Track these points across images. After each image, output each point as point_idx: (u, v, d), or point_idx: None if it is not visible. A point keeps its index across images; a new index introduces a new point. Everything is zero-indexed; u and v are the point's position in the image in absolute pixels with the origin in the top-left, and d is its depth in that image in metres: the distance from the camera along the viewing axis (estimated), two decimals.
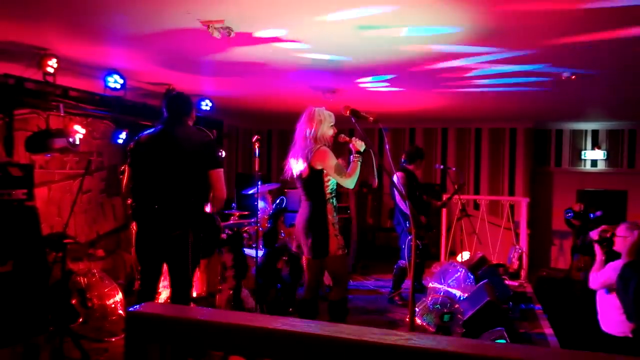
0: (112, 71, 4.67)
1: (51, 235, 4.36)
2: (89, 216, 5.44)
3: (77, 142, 4.26)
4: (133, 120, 5.46)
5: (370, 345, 0.74)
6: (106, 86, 4.66)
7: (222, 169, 3.11)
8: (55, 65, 4.05)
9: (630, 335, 3.69)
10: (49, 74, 4.05)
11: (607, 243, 3.85)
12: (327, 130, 3.26)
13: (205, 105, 6.10)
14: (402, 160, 5.48)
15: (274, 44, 3.75)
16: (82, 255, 4.67)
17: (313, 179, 3.25)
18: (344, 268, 3.45)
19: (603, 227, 3.93)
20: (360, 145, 3.26)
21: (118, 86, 4.70)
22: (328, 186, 3.30)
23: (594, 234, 3.87)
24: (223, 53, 4.02)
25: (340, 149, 3.62)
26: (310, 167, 3.21)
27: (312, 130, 3.23)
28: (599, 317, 3.99)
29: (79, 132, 4.40)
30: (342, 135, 3.35)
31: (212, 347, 0.80)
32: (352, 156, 3.32)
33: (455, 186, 5.65)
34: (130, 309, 0.81)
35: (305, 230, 3.28)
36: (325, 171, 3.21)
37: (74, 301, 4.15)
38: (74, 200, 3.56)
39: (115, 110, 5.16)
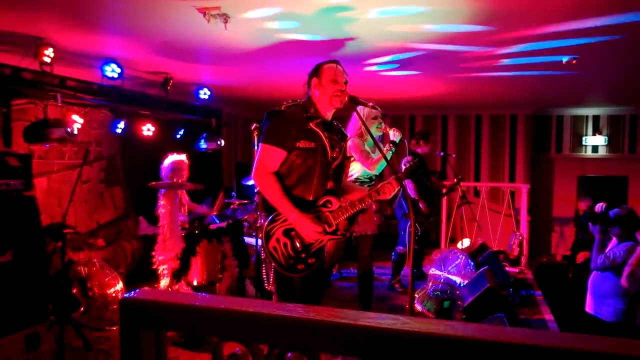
0: (109, 60, 4.64)
1: (51, 226, 4.36)
2: (89, 206, 5.44)
3: (75, 132, 4.24)
4: (131, 109, 5.44)
5: (365, 329, 0.74)
6: (104, 75, 4.63)
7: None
8: (52, 55, 4.02)
9: (623, 321, 3.72)
10: (46, 63, 4.02)
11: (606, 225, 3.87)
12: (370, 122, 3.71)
13: (204, 94, 6.08)
14: (410, 145, 5.49)
15: (270, 26, 3.71)
16: (82, 245, 4.67)
17: None
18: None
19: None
20: (396, 137, 3.61)
21: (116, 75, 4.68)
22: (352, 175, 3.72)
23: (613, 213, 3.87)
24: (221, 40, 3.99)
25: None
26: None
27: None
28: (588, 297, 4.02)
29: (77, 121, 4.38)
30: (383, 125, 3.81)
31: (208, 333, 0.79)
32: (387, 145, 3.66)
33: (455, 179, 5.64)
34: (125, 295, 0.80)
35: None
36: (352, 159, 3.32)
37: (74, 290, 4.16)
38: (73, 190, 3.55)
39: (113, 100, 5.14)
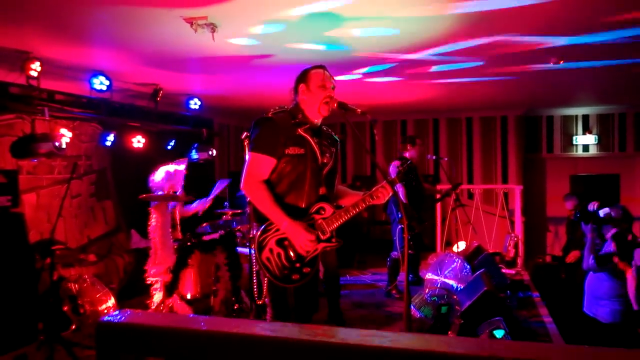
0: (97, 73, 4.60)
1: (40, 242, 4.29)
2: (79, 221, 5.37)
3: (64, 145, 4.18)
4: (121, 121, 5.39)
5: (353, 348, 0.70)
6: (92, 88, 4.59)
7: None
8: (39, 69, 3.98)
9: (619, 322, 3.70)
10: (33, 77, 3.98)
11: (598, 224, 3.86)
12: None
13: (194, 104, 6.04)
14: (399, 150, 5.48)
15: (257, 35, 3.70)
16: (73, 261, 4.59)
17: None
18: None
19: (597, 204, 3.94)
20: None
21: (104, 88, 4.64)
22: None
23: (603, 213, 3.86)
24: (209, 50, 3.96)
25: None
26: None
27: None
28: (585, 299, 4.00)
29: (65, 135, 4.33)
30: None
31: (192, 358, 0.75)
32: None
33: (451, 185, 5.63)
34: (102, 319, 0.76)
35: None
36: None
37: (65, 308, 4.08)
38: (61, 204, 3.49)
39: (102, 113, 5.09)
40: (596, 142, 8.07)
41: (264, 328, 0.74)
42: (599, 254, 3.76)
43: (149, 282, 4.16)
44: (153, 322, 0.77)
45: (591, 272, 3.95)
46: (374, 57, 4.34)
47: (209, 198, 4.87)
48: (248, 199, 2.58)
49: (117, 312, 0.76)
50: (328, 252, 2.59)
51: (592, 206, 4.02)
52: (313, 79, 2.48)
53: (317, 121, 2.53)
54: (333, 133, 2.71)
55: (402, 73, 4.99)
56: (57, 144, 4.09)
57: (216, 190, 4.93)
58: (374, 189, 2.53)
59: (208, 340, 0.72)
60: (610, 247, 3.76)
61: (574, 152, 8.25)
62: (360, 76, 5.06)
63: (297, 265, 2.39)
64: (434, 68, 4.75)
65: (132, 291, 5.26)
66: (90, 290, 4.22)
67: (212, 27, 3.26)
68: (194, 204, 4.79)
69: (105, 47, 3.98)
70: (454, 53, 4.17)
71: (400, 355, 0.70)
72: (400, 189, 5.01)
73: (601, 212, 3.89)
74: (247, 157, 2.49)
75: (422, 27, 3.50)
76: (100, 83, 4.58)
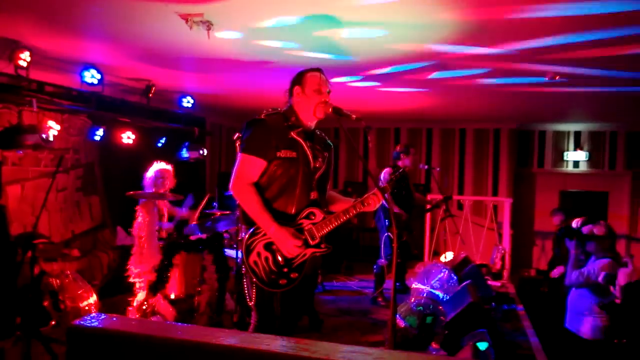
0: (89, 66, 4.53)
1: (22, 235, 4.20)
2: (64, 215, 5.28)
3: (51, 138, 4.11)
4: (111, 116, 5.32)
5: None
6: (83, 81, 4.52)
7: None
8: (29, 59, 3.91)
9: (601, 338, 3.71)
10: (22, 67, 3.90)
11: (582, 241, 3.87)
12: None
13: (187, 102, 5.99)
14: (393, 157, 5.46)
15: (254, 34, 3.66)
16: (55, 256, 4.49)
17: None
18: None
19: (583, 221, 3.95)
20: None
21: (95, 81, 4.57)
22: None
23: (585, 229, 3.87)
24: (204, 48, 3.92)
25: None
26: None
27: None
28: (568, 314, 4.01)
29: (53, 128, 4.25)
30: None
31: None
32: None
33: (442, 197, 5.62)
34: (73, 323, 0.72)
35: None
36: None
37: (46, 303, 3.99)
38: (45, 197, 3.41)
39: (92, 106, 5.01)
40: (587, 159, 8.12)
41: (244, 340, 0.70)
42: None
43: (131, 281, 4.09)
44: (127, 329, 0.73)
45: (573, 288, 3.97)
46: (370, 63, 4.33)
47: (195, 211, 4.75)
48: (237, 201, 2.54)
49: (90, 316, 0.72)
50: (317, 257, 2.57)
51: (576, 223, 4.04)
52: (309, 82, 2.45)
53: (311, 125, 2.50)
54: (327, 138, 2.68)
55: (398, 79, 4.99)
56: (44, 136, 4.02)
57: (200, 209, 4.78)
58: (365, 196, 2.50)
59: (182, 349, 0.69)
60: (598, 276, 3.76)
61: (565, 168, 8.30)
62: (355, 80, 5.05)
63: (285, 270, 2.36)
64: (431, 76, 4.75)
65: (115, 289, 5.17)
66: (72, 286, 4.14)
67: (208, 25, 3.22)
68: (183, 209, 4.70)
69: (97, 39, 3.92)
70: (452, 60, 4.17)
71: None
72: (390, 199, 4.98)
73: (584, 229, 3.90)
74: (237, 157, 2.45)
75: (417, 34, 3.50)
76: (91, 76, 4.51)
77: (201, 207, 4.82)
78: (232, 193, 2.44)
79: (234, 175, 2.40)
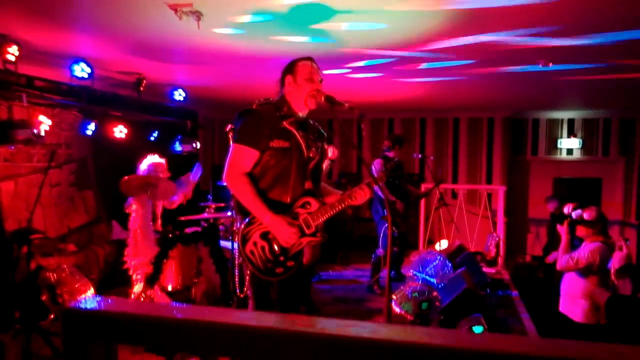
0: (78, 59, 4.50)
1: (17, 231, 4.19)
2: (59, 210, 5.26)
3: (42, 133, 4.09)
4: (103, 110, 5.28)
5: (330, 338, 0.68)
6: (72, 75, 4.49)
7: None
8: (17, 53, 3.87)
9: (597, 323, 3.76)
10: (10, 62, 3.86)
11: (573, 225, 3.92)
12: None
13: (179, 95, 5.96)
14: (383, 148, 5.46)
15: (244, 24, 3.64)
16: (52, 251, 4.49)
17: None
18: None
19: (575, 208, 3.99)
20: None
21: (85, 75, 4.54)
22: None
23: (576, 215, 3.91)
24: (195, 39, 3.90)
25: None
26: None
27: None
28: (561, 298, 4.06)
29: (44, 123, 4.22)
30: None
31: (163, 346, 0.73)
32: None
33: (434, 183, 5.65)
34: (69, 305, 0.73)
35: None
36: None
37: (44, 297, 4.00)
38: (38, 193, 3.40)
39: (83, 101, 4.97)
40: (580, 146, 8.17)
41: (240, 318, 0.71)
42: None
43: (128, 274, 4.10)
44: (124, 310, 0.73)
45: (567, 272, 4.01)
46: (362, 53, 4.32)
47: (190, 183, 4.78)
48: (231, 192, 2.54)
49: (85, 298, 0.73)
50: (313, 246, 2.59)
51: (567, 208, 4.09)
52: (300, 71, 2.45)
53: (303, 114, 2.50)
54: (320, 127, 2.69)
55: (390, 69, 4.98)
56: (35, 131, 4.00)
57: (195, 175, 4.84)
58: (352, 190, 2.50)
59: (180, 327, 0.70)
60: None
61: (558, 155, 8.35)
62: (348, 71, 5.04)
63: (281, 259, 2.37)
64: (423, 65, 4.75)
65: (113, 282, 5.17)
66: (69, 279, 4.14)
67: (198, 15, 3.20)
68: (174, 197, 4.71)
69: (86, 32, 3.88)
70: (444, 50, 4.17)
71: (380, 346, 0.68)
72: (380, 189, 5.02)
73: (574, 214, 3.95)
74: (230, 148, 2.45)
75: (412, 23, 3.49)
76: (81, 70, 4.48)
77: (198, 177, 4.87)
78: (225, 184, 2.44)
79: (227, 165, 2.40)
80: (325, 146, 4.55)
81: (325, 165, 4.23)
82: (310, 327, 0.68)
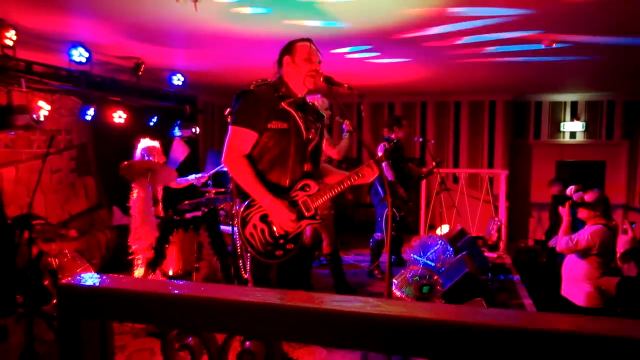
0: (76, 44, 4.44)
1: (19, 216, 4.19)
2: (60, 196, 5.26)
3: (42, 118, 4.06)
4: (102, 95, 5.25)
5: (334, 313, 0.67)
6: (71, 60, 4.44)
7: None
8: (15, 38, 3.83)
9: (599, 307, 3.77)
10: (8, 46, 3.82)
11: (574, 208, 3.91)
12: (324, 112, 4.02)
13: (177, 80, 5.91)
14: (384, 135, 5.42)
15: (241, 6, 3.59)
16: (53, 236, 4.50)
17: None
18: (332, 224, 4.37)
19: (578, 191, 3.97)
20: (349, 126, 4.45)
21: (83, 60, 4.49)
22: None
23: (577, 197, 3.89)
24: (193, 22, 3.84)
25: None
26: None
27: None
28: (563, 282, 4.06)
29: (44, 108, 4.19)
30: (338, 117, 4.71)
31: (158, 323, 0.71)
32: (343, 133, 4.46)
33: (434, 163, 5.62)
34: (63, 282, 0.72)
35: None
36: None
37: (46, 282, 4.02)
38: (38, 179, 3.38)
39: (82, 86, 4.94)
40: (583, 129, 8.09)
41: (241, 294, 0.70)
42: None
43: (130, 258, 4.11)
44: (119, 286, 0.72)
45: (568, 255, 4.01)
46: (365, 33, 4.26)
47: (207, 174, 4.83)
48: (230, 174, 2.52)
49: (81, 275, 0.71)
50: (318, 231, 2.58)
51: (570, 190, 4.07)
52: (299, 51, 2.41)
53: (302, 95, 2.47)
54: (319, 109, 2.66)
55: (392, 52, 4.92)
56: (34, 116, 3.97)
57: (211, 167, 4.89)
58: (360, 167, 2.50)
59: (174, 304, 0.68)
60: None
61: (561, 139, 8.28)
62: (349, 53, 4.98)
63: (281, 241, 2.37)
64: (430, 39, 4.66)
65: (115, 267, 5.20)
66: (71, 264, 4.16)
67: None
68: (191, 176, 4.75)
69: (84, 15, 3.83)
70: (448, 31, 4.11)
71: (384, 321, 0.67)
72: (386, 168, 4.99)
73: (575, 196, 3.93)
74: (228, 131, 2.43)
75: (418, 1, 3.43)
76: (79, 55, 4.43)
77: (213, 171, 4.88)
78: (224, 167, 2.43)
79: (226, 148, 2.38)
80: (339, 119, 4.71)
81: (345, 142, 4.41)
82: (309, 303, 0.66)
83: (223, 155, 2.39)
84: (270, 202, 2.30)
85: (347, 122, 4.50)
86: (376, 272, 5.36)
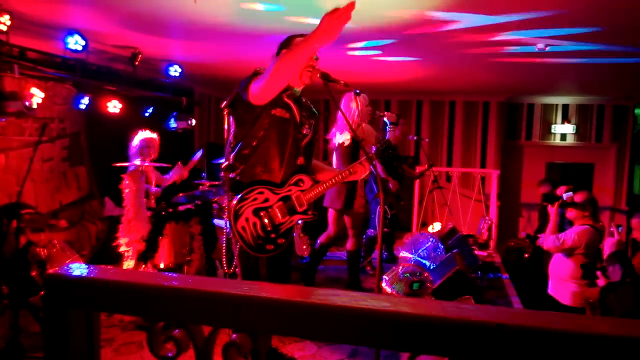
0: (72, 31, 4.40)
1: (7, 205, 4.16)
2: (50, 185, 5.22)
3: (34, 106, 4.02)
4: (97, 84, 5.20)
5: (321, 307, 0.67)
6: (66, 47, 4.40)
7: None
8: (9, 23, 3.78)
9: (584, 306, 3.81)
10: (1, 31, 3.77)
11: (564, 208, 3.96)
12: (366, 108, 4.24)
13: (174, 71, 5.87)
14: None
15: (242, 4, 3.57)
16: (43, 226, 4.48)
17: (355, 148, 4.00)
18: (361, 223, 4.35)
19: (569, 192, 4.01)
20: (392, 117, 4.54)
21: (79, 48, 4.45)
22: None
23: (567, 197, 3.94)
24: (191, 13, 3.82)
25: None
26: (354, 139, 3.93)
27: (356, 110, 4.08)
28: (550, 281, 4.11)
29: (36, 95, 4.15)
30: (377, 111, 4.79)
31: (145, 314, 0.72)
32: (387, 127, 4.65)
33: (426, 165, 5.65)
34: (50, 271, 0.72)
35: (339, 188, 4.04)
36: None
37: (34, 273, 3.99)
38: (28, 167, 3.34)
39: (77, 74, 4.89)
40: (574, 132, 8.18)
41: (226, 286, 0.70)
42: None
43: (120, 250, 4.09)
44: (107, 277, 0.72)
45: (555, 255, 4.05)
46: (365, 30, 4.25)
47: (186, 167, 4.78)
48: (225, 163, 2.49)
49: (68, 265, 0.71)
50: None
51: (560, 190, 4.12)
52: None
53: (298, 89, 2.48)
54: (312, 106, 2.67)
55: (394, 51, 4.92)
56: (27, 103, 3.93)
57: (193, 160, 4.84)
58: (351, 165, 2.53)
59: (161, 295, 0.69)
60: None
61: (552, 141, 8.36)
62: (350, 49, 4.97)
63: (272, 235, 2.38)
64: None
65: (104, 259, 5.18)
66: (59, 255, 4.12)
67: None
68: (170, 174, 4.71)
69: (81, 3, 3.80)
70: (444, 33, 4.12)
71: (370, 316, 0.67)
72: (378, 166, 5.00)
73: (565, 196, 3.98)
74: (253, 85, 2.30)
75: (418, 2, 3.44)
76: (75, 42, 4.39)
77: (192, 163, 4.82)
78: (277, 73, 2.20)
79: (264, 78, 2.23)
80: (380, 113, 4.91)
81: (391, 134, 4.60)
82: (296, 296, 0.67)
83: (263, 86, 2.24)
84: (312, 33, 2.09)
85: (388, 114, 4.64)
86: (368, 268, 5.38)
